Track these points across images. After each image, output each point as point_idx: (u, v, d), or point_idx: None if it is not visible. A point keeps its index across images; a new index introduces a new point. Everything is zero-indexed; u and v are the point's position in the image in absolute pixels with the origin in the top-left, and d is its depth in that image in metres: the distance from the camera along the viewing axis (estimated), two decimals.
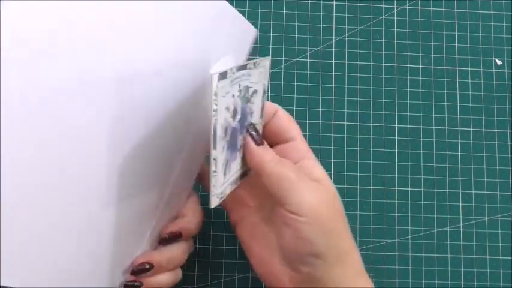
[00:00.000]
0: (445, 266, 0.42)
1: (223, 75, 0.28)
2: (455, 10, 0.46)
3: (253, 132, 0.32)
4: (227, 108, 0.29)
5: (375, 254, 0.42)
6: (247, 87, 0.31)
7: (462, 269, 0.42)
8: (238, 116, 0.31)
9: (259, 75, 0.32)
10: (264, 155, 0.32)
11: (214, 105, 0.27)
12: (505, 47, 0.45)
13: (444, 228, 0.43)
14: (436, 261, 0.42)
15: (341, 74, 0.44)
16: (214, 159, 0.29)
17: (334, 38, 0.45)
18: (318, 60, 0.44)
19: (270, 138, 0.34)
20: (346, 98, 0.44)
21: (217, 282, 0.41)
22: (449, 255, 0.42)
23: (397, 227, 0.42)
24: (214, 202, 0.30)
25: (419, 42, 0.45)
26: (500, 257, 0.42)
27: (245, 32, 0.35)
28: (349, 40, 0.45)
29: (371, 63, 0.44)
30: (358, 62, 0.44)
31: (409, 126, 0.44)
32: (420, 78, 0.45)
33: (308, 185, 0.31)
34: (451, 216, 0.43)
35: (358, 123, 0.44)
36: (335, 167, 0.43)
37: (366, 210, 0.43)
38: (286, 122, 0.35)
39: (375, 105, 0.44)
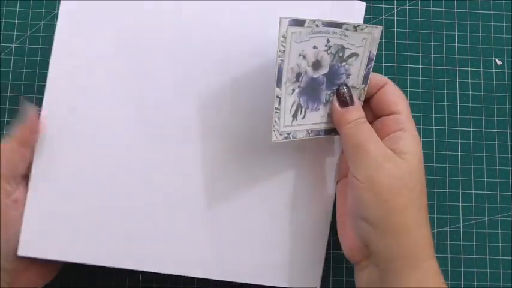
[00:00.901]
0: (445, 266, 0.42)
1: (298, 22, 0.31)
2: (455, 10, 0.46)
3: (342, 91, 0.34)
4: (302, 56, 0.32)
5: None
6: (343, 47, 0.34)
7: (462, 269, 0.42)
8: (324, 70, 0.34)
9: (363, 40, 0.34)
10: (345, 115, 0.33)
11: (281, 46, 0.31)
12: (505, 47, 0.45)
13: (444, 228, 0.43)
14: None
15: None
16: (278, 97, 0.32)
17: None
18: None
19: (375, 109, 0.35)
20: None
21: (217, 282, 0.41)
22: (449, 255, 0.42)
23: None
24: (274, 137, 0.33)
25: (419, 42, 0.45)
26: (500, 257, 0.42)
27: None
28: None
29: None
30: None
31: None
32: (420, 78, 0.45)
33: (382, 154, 0.32)
34: (451, 216, 0.43)
35: None
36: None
37: None
38: (392, 96, 0.35)
39: None
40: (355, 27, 0.33)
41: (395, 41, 0.45)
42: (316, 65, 0.33)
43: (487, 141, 0.44)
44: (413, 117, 0.44)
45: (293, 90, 0.33)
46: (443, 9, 0.46)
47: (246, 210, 0.37)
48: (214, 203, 0.36)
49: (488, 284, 0.42)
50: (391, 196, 0.31)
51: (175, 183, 0.36)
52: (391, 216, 0.31)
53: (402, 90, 0.45)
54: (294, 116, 0.34)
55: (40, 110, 0.35)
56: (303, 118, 0.34)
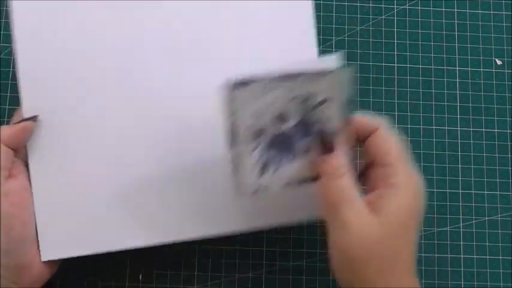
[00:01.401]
0: (445, 266, 0.42)
1: (247, 82, 0.31)
2: (455, 10, 0.46)
3: (320, 139, 0.32)
4: (260, 112, 0.32)
5: None
6: (308, 96, 0.32)
7: (462, 269, 0.42)
8: (292, 122, 0.32)
9: (330, 85, 0.32)
10: (322, 165, 0.31)
11: (230, 108, 0.31)
12: (505, 47, 0.45)
13: (444, 228, 0.43)
14: (436, 261, 0.42)
15: None
16: (234, 157, 0.32)
17: (334, 38, 0.45)
18: None
19: (369, 155, 0.33)
20: None
21: (217, 282, 0.41)
22: (449, 255, 0.42)
23: None
24: (239, 193, 0.33)
25: (419, 42, 0.45)
26: (500, 257, 0.42)
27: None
28: (349, 40, 0.45)
29: (371, 63, 0.44)
30: (358, 62, 0.44)
31: (409, 126, 0.44)
32: (420, 78, 0.44)
33: (354, 220, 0.29)
34: (451, 216, 0.43)
35: None
36: None
37: None
38: (383, 145, 0.32)
39: (375, 105, 0.44)
40: (317, 73, 0.31)
41: (395, 41, 0.45)
42: (281, 118, 0.32)
43: (487, 141, 0.44)
44: (413, 117, 0.44)
45: (255, 147, 0.32)
46: (443, 9, 0.46)
47: None
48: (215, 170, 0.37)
49: (488, 284, 0.42)
50: (359, 267, 0.29)
51: (163, 155, 0.36)
52: (359, 285, 0.30)
53: (402, 90, 0.45)
54: (262, 171, 0.33)
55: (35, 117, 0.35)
56: (275, 172, 0.33)
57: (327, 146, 0.31)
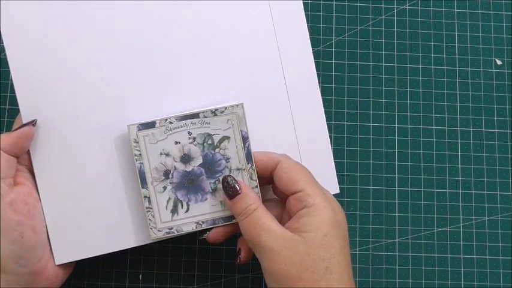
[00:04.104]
0: (445, 266, 0.42)
1: (148, 125, 0.34)
2: (455, 10, 0.46)
3: (224, 183, 0.34)
4: (165, 154, 0.34)
5: (375, 254, 0.42)
6: (209, 134, 0.34)
7: (462, 269, 0.42)
8: (197, 162, 0.35)
9: (228, 122, 0.34)
10: (233, 208, 0.33)
11: (136, 151, 0.34)
12: (505, 47, 0.45)
13: (444, 228, 0.43)
14: (436, 261, 0.42)
15: (341, 74, 0.44)
16: (146, 197, 0.34)
17: (334, 38, 0.45)
18: (318, 60, 0.44)
19: (280, 189, 0.34)
20: (346, 98, 0.44)
21: (217, 282, 0.41)
22: (449, 255, 0.42)
23: (397, 227, 0.42)
24: (153, 234, 0.34)
25: (419, 42, 0.45)
26: (500, 257, 0.42)
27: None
28: (349, 40, 0.45)
29: (371, 63, 0.44)
30: (358, 62, 0.44)
31: (409, 126, 0.44)
32: (420, 78, 0.45)
33: (277, 244, 0.31)
34: (451, 216, 0.43)
35: (358, 123, 0.44)
36: (335, 167, 0.43)
37: (366, 210, 0.43)
38: (288, 175, 0.33)
39: (375, 105, 0.44)
40: (214, 112, 0.34)
41: (395, 41, 0.45)
42: (185, 158, 0.34)
43: (487, 141, 0.44)
44: (413, 117, 0.44)
45: (164, 187, 0.34)
46: (443, 9, 0.46)
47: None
48: None
49: (488, 284, 0.42)
50: (291, 283, 0.31)
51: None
52: None
53: (402, 90, 0.45)
54: (174, 211, 0.35)
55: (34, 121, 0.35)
56: (186, 211, 0.35)
57: (232, 190, 0.33)
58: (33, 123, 0.35)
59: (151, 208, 0.34)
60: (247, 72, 0.37)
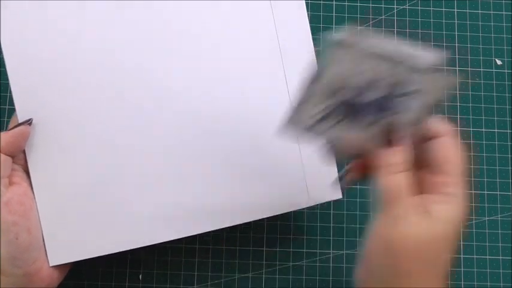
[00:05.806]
0: None
1: (349, 45, 0.31)
2: (455, 10, 0.46)
3: (388, 128, 0.31)
4: (349, 75, 0.31)
5: None
6: (402, 82, 0.31)
7: (462, 269, 0.42)
8: (372, 96, 0.31)
9: (428, 83, 0.31)
10: (384, 157, 0.31)
11: (321, 61, 0.32)
12: (505, 47, 0.45)
13: None
14: None
15: None
16: (303, 96, 0.32)
17: None
18: None
19: (425, 156, 0.32)
20: None
21: (217, 282, 0.41)
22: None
23: None
24: (292, 122, 0.32)
25: (419, 42, 0.45)
26: (500, 257, 0.42)
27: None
28: None
29: None
30: None
31: None
32: None
33: (411, 207, 0.29)
34: None
35: None
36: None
37: (366, 210, 0.43)
38: (445, 152, 0.31)
39: None
40: (423, 69, 0.31)
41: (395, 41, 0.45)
42: (363, 89, 0.31)
43: (487, 141, 0.44)
44: None
45: (322, 101, 0.32)
46: (443, 9, 0.46)
47: (247, 151, 0.37)
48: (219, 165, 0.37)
49: (488, 284, 0.42)
50: (401, 261, 0.29)
51: (172, 150, 0.37)
52: (393, 280, 0.30)
53: None
54: (320, 120, 0.32)
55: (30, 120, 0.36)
56: (330, 127, 0.32)
57: (394, 138, 0.31)
58: (29, 122, 0.35)
59: (302, 105, 0.32)
60: (249, 73, 0.37)
